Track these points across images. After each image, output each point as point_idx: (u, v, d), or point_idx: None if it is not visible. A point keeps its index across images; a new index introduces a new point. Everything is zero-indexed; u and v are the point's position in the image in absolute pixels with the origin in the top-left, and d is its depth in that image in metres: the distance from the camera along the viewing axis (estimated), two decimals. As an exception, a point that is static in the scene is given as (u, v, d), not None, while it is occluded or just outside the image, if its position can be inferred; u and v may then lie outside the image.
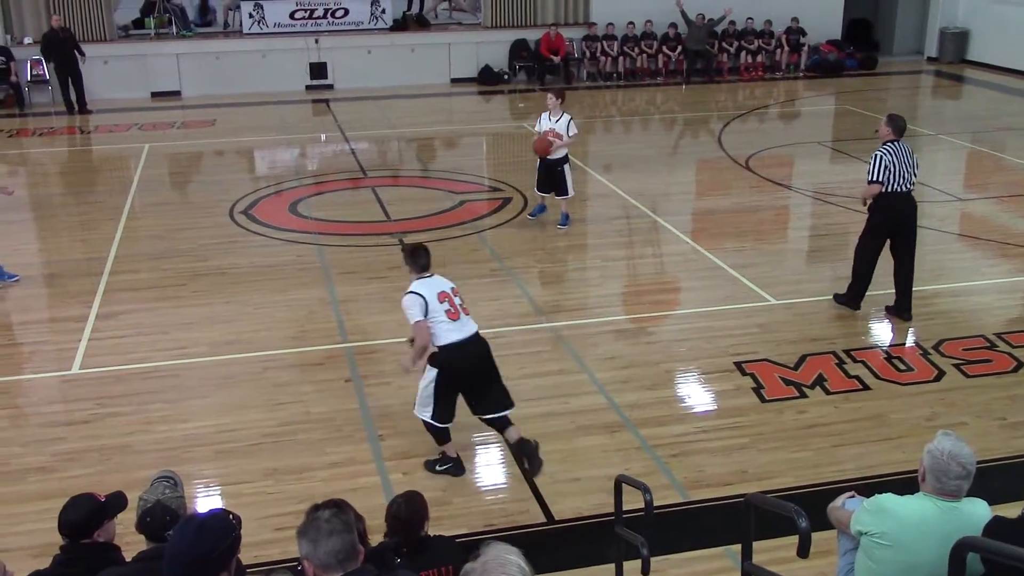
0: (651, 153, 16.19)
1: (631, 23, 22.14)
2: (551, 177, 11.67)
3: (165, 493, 4.13)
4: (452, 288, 6.68)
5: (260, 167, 16.33)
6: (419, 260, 6.72)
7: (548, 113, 11.47)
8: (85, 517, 4.05)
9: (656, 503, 5.20)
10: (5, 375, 8.45)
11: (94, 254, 11.20)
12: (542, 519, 6.31)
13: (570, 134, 11.37)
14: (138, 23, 21.78)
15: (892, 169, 8.72)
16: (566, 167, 11.61)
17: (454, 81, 21.85)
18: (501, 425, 6.78)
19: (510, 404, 6.76)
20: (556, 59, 21.74)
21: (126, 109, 19.27)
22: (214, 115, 18.87)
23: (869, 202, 9.13)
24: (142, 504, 4.06)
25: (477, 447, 7.20)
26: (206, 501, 6.53)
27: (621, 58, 22.17)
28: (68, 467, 6.90)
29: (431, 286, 6.60)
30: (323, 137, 18.00)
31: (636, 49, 22.26)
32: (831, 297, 9.57)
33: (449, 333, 6.51)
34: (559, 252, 11.33)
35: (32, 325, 9.52)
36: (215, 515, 3.46)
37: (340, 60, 21.34)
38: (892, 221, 8.96)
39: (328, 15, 21.55)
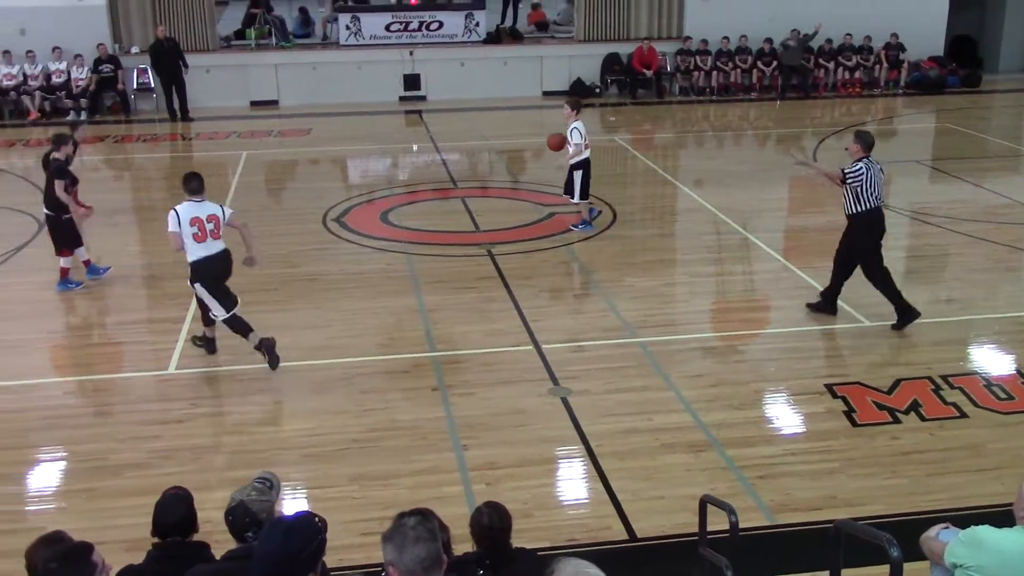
0: (743, 169, 15.97)
1: (725, 38, 21.92)
2: (568, 179, 12.22)
3: (251, 495, 4.19)
4: (208, 216, 8.37)
5: (353, 176, 16.61)
6: (190, 184, 8.49)
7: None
8: (181, 520, 4.16)
9: (741, 525, 5.12)
10: (105, 373, 8.74)
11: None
12: (624, 536, 6.26)
13: (572, 141, 11.97)
14: (239, 34, 22.38)
15: (868, 186, 8.89)
16: (577, 173, 12.07)
17: (546, 94, 21.91)
18: (243, 329, 8.46)
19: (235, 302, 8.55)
20: (648, 73, 21.65)
21: (226, 117, 19.78)
22: (310, 124, 19.24)
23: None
24: (229, 502, 4.15)
25: (560, 460, 7.19)
26: (293, 504, 6.63)
27: (714, 73, 21.97)
28: (162, 464, 7.09)
29: (191, 210, 8.33)
30: (415, 147, 18.22)
31: (730, 64, 22.03)
32: (893, 326, 9.27)
33: (196, 251, 8.33)
34: (647, 267, 11.25)
35: (131, 325, 9.82)
36: (302, 518, 3.52)
37: (433, 72, 21.58)
38: (877, 236, 9.19)
39: (423, 28, 21.82)
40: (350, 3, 22.94)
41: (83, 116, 19.61)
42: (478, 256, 11.47)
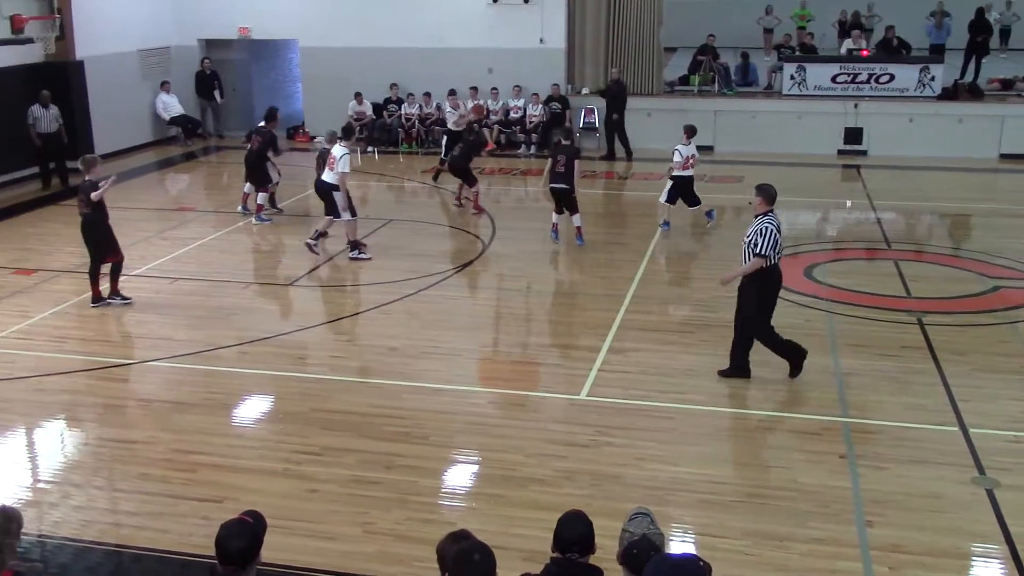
0: None
1: None
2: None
3: (650, 528, 4.23)
4: None
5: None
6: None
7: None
8: (581, 538, 4.29)
9: None
10: (524, 389, 9.30)
11: (614, 291, 11.95)
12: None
13: (672, 159, 14.57)
14: (684, 80, 22.96)
15: (777, 242, 8.69)
16: (669, 182, 14.75)
17: (1003, 157, 20.07)
18: None
19: None
20: None
21: (662, 159, 20.24)
22: (742, 172, 19.21)
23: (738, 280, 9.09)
24: (627, 536, 4.20)
25: (977, 557, 6.51)
26: (681, 546, 6.62)
27: None
28: (563, 484, 7.41)
29: None
30: (848, 203, 17.53)
31: None
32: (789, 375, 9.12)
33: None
34: (1109, 359, 9.88)
35: (553, 348, 10.38)
36: (689, 560, 3.49)
37: (877, 126, 20.63)
38: (776, 292, 8.99)
39: (872, 80, 20.99)
40: (797, 53, 22.67)
41: (531, 150, 21.22)
42: (906, 323, 10.76)
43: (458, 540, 4.28)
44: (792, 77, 21.35)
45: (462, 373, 9.75)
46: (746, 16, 27.41)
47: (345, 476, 7.56)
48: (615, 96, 20.49)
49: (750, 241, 8.82)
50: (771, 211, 8.89)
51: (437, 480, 7.63)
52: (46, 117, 17.74)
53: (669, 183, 14.83)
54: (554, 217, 14.20)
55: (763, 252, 8.72)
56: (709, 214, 15.07)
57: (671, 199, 14.88)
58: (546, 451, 7.96)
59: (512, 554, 6.19)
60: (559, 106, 21.36)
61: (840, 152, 20.75)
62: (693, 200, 14.97)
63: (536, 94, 21.38)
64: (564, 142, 14.36)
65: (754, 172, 19.12)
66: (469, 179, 16.05)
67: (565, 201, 14.00)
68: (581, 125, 21.61)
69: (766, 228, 8.73)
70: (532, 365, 10.05)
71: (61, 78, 18.79)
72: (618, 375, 9.45)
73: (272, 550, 4.42)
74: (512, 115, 21.67)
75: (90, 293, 11.57)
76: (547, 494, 7.22)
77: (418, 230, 15.24)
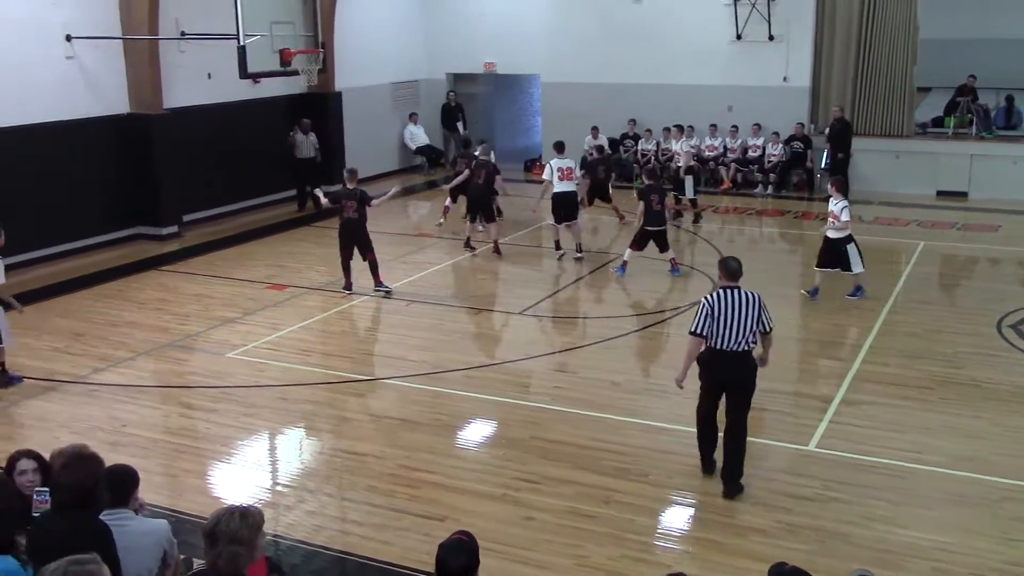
0: None
1: None
2: (831, 253, 12.98)
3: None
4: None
5: (1040, 281, 15.09)
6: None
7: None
8: None
9: None
10: (748, 435, 9.00)
11: (851, 339, 11.43)
12: None
13: (842, 217, 12.67)
14: (937, 122, 21.77)
15: (717, 322, 7.53)
16: (849, 247, 12.84)
17: None
18: None
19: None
20: None
21: (908, 204, 19.30)
22: (1000, 220, 17.96)
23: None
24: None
25: None
26: (912, 617, 6.22)
27: None
28: (785, 537, 7.13)
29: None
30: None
31: None
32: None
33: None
34: None
35: (780, 395, 10.00)
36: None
37: None
38: (716, 380, 7.80)
39: None
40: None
41: (769, 190, 20.73)
42: None
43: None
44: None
45: (684, 413, 9.55)
46: (1012, 56, 25.73)
47: (562, 507, 7.60)
48: (839, 135, 19.74)
49: None
50: (729, 287, 7.79)
51: (654, 520, 7.53)
52: (305, 143, 19.07)
53: (850, 246, 12.87)
54: (628, 254, 14.35)
55: (691, 329, 7.80)
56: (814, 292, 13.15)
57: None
58: (768, 501, 7.70)
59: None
60: (801, 145, 20.77)
61: (1114, 203, 19.00)
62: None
63: (776, 133, 20.89)
64: (648, 181, 14.41)
65: (1014, 222, 17.88)
66: (608, 198, 18.04)
67: (660, 239, 14.17)
68: (823, 165, 20.85)
69: (701, 302, 7.83)
70: (758, 411, 9.68)
71: (320, 107, 20.18)
72: (850, 428, 9.01)
73: (485, 573, 4.50)
74: (750, 154, 21.27)
75: (336, 309, 12.34)
76: (767, 545, 6.98)
77: (648, 266, 15.19)
